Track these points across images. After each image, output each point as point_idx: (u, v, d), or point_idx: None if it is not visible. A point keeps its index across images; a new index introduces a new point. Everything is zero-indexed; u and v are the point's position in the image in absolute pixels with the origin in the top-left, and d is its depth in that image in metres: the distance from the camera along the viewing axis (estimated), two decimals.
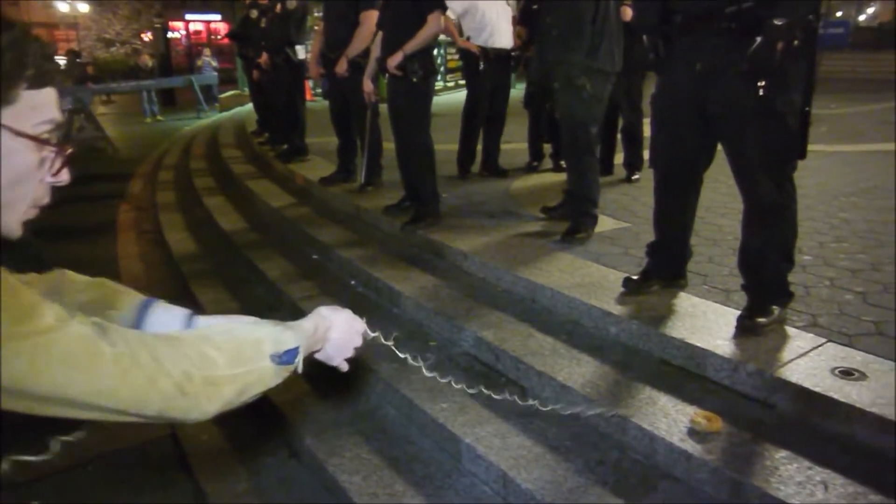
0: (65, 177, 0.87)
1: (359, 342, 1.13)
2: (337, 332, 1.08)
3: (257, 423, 2.89)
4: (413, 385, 2.72)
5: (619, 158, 5.18)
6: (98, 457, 2.74)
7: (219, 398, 0.85)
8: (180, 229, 5.77)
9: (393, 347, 1.23)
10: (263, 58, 6.49)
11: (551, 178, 5.13)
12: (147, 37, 27.06)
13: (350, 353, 1.12)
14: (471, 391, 1.84)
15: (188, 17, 29.99)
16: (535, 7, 4.81)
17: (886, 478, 1.84)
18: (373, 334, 1.20)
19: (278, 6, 6.21)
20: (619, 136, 5.16)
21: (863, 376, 2.13)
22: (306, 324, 1.02)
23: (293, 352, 0.94)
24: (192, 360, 0.82)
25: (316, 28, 5.42)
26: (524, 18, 5.70)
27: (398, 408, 2.74)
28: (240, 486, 2.60)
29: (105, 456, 2.75)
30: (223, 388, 0.85)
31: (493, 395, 1.67)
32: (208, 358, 0.84)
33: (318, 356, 1.09)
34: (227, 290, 4.26)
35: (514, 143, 6.11)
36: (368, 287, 3.69)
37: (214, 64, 17.74)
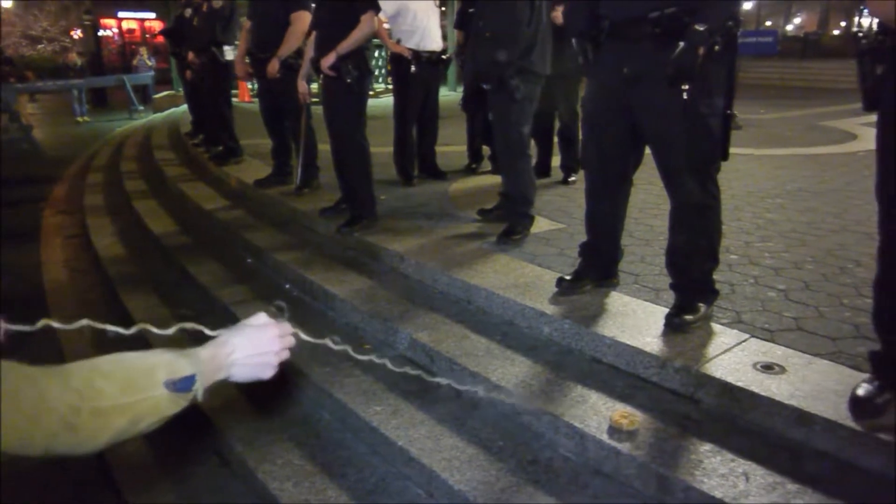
0: None
1: (276, 352, 1.06)
2: (242, 353, 1.02)
3: (185, 432, 2.80)
4: (346, 389, 2.69)
5: (556, 161, 5.25)
6: (11, 472, 2.61)
7: (109, 430, 0.81)
8: (109, 234, 5.57)
9: (331, 343, 1.17)
10: (189, 56, 6.35)
11: (490, 180, 5.15)
12: (77, 34, 26.13)
13: (271, 367, 1.06)
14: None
15: (121, 14, 29.06)
16: (471, 10, 4.83)
17: (802, 467, 1.90)
18: (307, 338, 1.15)
19: (205, 5, 6.09)
20: (556, 138, 5.23)
21: (782, 370, 2.20)
22: (203, 352, 0.97)
23: (189, 379, 0.90)
24: (79, 392, 0.78)
25: (243, 27, 5.30)
26: (461, 22, 5.72)
27: (332, 412, 2.70)
28: (167, 497, 2.51)
29: (19, 471, 2.62)
30: (113, 419, 0.81)
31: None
32: (96, 389, 0.80)
33: (235, 380, 1.04)
34: (158, 296, 4.13)
35: (454, 146, 6.13)
36: (303, 290, 3.63)
37: (151, 63, 17.24)
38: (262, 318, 1.08)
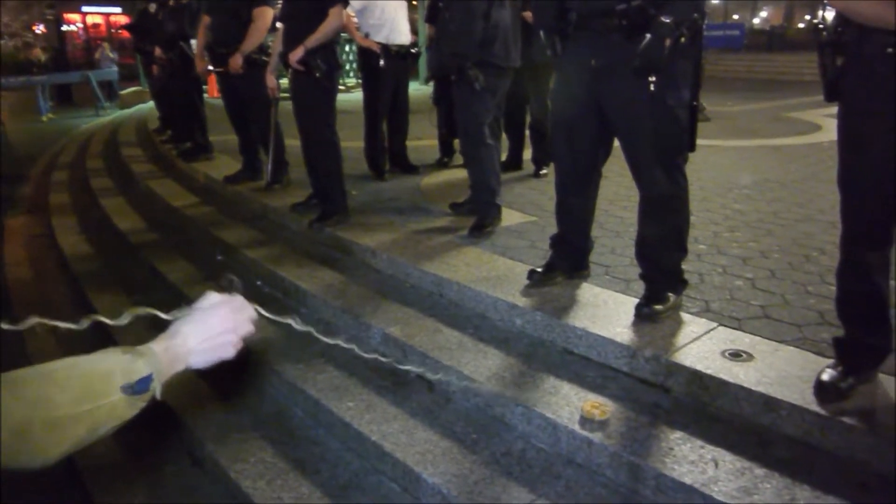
0: None
1: (233, 329, 1.01)
2: (196, 340, 0.98)
3: (155, 432, 2.77)
4: (319, 385, 2.67)
5: (528, 154, 5.26)
6: None
7: (65, 441, 0.77)
8: (75, 232, 5.47)
9: (294, 323, 1.14)
10: (157, 52, 6.24)
11: (461, 174, 5.12)
12: (40, 29, 25.55)
13: (230, 346, 1.02)
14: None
15: (85, 9, 28.48)
16: (440, 4, 4.83)
17: (770, 452, 1.93)
18: (266, 314, 1.11)
19: (171, 0, 5.99)
20: (527, 131, 5.24)
21: (750, 357, 2.24)
22: (157, 347, 0.93)
23: (146, 379, 0.87)
24: (31, 403, 0.74)
25: (202, 22, 5.20)
26: (431, 16, 5.71)
27: (304, 408, 2.69)
28: (138, 498, 2.48)
29: None
30: (69, 429, 0.78)
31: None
32: (49, 399, 0.76)
33: (197, 367, 1.00)
34: (126, 295, 4.07)
35: (425, 140, 6.12)
36: (274, 287, 3.60)
37: (113, 56, 16.91)
38: (212, 297, 1.03)
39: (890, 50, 1.73)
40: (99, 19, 29.40)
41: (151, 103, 9.16)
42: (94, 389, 0.81)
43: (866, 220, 1.97)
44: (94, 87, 14.40)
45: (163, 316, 0.99)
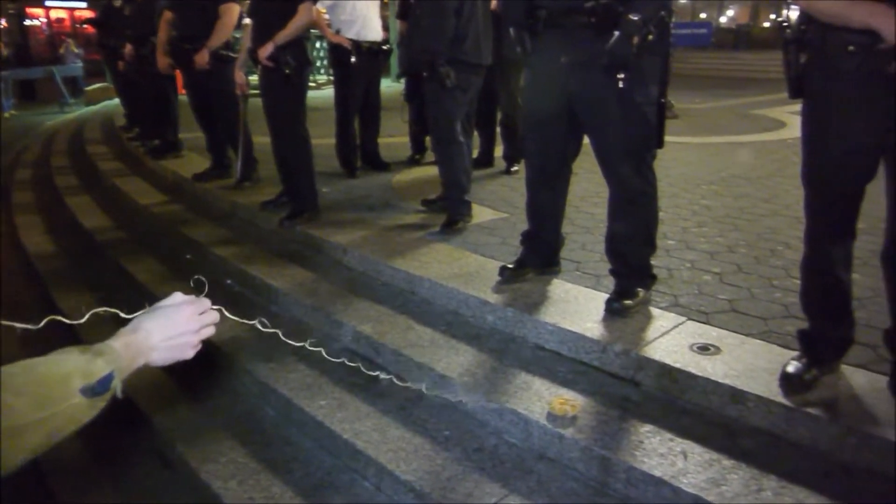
0: None
1: (195, 331, 1.02)
2: (158, 337, 0.98)
3: (124, 432, 2.73)
4: (291, 384, 2.65)
5: (499, 151, 5.28)
6: None
7: (24, 448, 0.75)
8: (39, 232, 5.36)
9: (258, 325, 1.14)
10: (128, 49, 6.13)
11: (433, 171, 5.11)
12: (1, 24, 24.93)
13: (190, 347, 1.03)
14: None
15: (49, 3, 27.83)
16: (411, 1, 4.82)
17: (737, 443, 1.97)
18: (230, 316, 1.11)
19: None
20: (498, 128, 5.26)
21: (718, 351, 2.28)
22: (117, 343, 0.92)
23: (107, 378, 0.85)
24: None
25: (163, 17, 5.12)
26: (403, 12, 5.69)
27: (276, 408, 2.67)
28: (106, 501, 2.44)
29: None
30: (27, 436, 0.75)
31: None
32: (6, 407, 0.74)
33: (155, 364, 0.99)
34: (92, 295, 3.99)
35: (397, 137, 6.10)
36: (245, 285, 3.57)
37: (78, 52, 16.58)
38: (177, 297, 1.04)
39: (851, 48, 1.77)
40: (63, 14, 28.74)
41: (118, 100, 8.99)
42: (52, 394, 0.79)
43: (829, 214, 2.01)
44: (59, 83, 14.12)
45: (123, 315, 0.98)
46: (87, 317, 0.96)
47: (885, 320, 2.05)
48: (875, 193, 1.95)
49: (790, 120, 7.63)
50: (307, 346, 1.22)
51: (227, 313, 1.09)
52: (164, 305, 1.02)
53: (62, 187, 6.40)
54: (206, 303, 1.05)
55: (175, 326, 1.00)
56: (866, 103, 1.81)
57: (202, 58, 4.59)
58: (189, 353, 1.03)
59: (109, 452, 2.68)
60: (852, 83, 1.81)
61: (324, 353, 1.22)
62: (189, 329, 1.02)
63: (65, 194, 6.09)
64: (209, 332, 1.05)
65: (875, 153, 1.87)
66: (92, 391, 0.83)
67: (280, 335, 1.16)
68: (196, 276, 1.09)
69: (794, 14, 1.97)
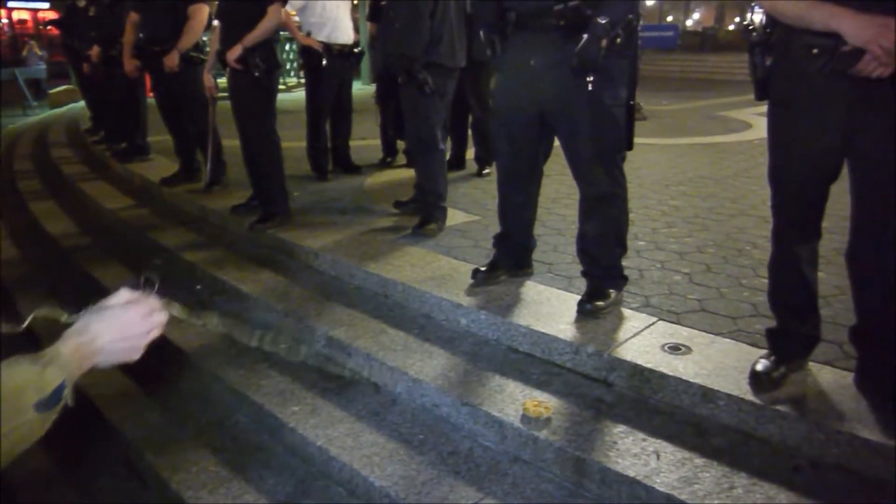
0: None
1: (144, 333, 0.99)
2: (106, 338, 0.94)
3: (91, 443, 2.67)
4: (263, 390, 2.62)
5: (471, 153, 5.28)
6: None
7: None
8: (1, 238, 5.22)
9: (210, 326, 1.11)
10: (94, 51, 6.01)
11: (405, 173, 5.14)
12: None
13: (138, 350, 0.99)
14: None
15: (11, 4, 27.24)
16: (383, 3, 4.79)
17: (709, 442, 1.99)
18: (180, 315, 1.08)
19: None
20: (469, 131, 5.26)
21: (688, 350, 2.30)
22: (65, 348, 0.89)
23: (60, 388, 0.83)
24: None
25: (129, 19, 5.04)
26: (373, 14, 5.67)
27: (248, 414, 2.63)
28: None
29: None
30: None
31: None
32: None
33: (100, 367, 0.96)
34: (58, 302, 3.88)
35: (368, 139, 6.08)
36: (215, 291, 3.51)
37: (41, 54, 16.25)
38: (124, 295, 1.00)
39: (815, 50, 1.80)
40: (26, 15, 28.15)
41: (83, 102, 8.82)
42: (7, 413, 0.76)
43: (795, 214, 2.04)
44: (22, 86, 13.82)
45: (64, 319, 0.95)
46: (26, 323, 0.93)
47: (850, 318, 2.09)
48: (837, 192, 1.99)
49: (756, 121, 7.76)
50: (264, 347, 1.18)
51: (176, 312, 1.06)
52: (110, 304, 0.98)
53: (25, 192, 6.26)
54: (155, 302, 1.02)
55: (124, 328, 0.97)
56: (830, 104, 1.84)
57: (172, 60, 4.52)
58: (136, 356, 1.00)
59: (76, 462, 2.63)
60: (816, 85, 1.84)
61: (282, 354, 1.19)
62: (138, 331, 0.98)
63: (28, 199, 5.96)
64: (156, 334, 1.01)
65: (839, 154, 1.90)
66: (45, 406, 0.80)
67: (234, 335, 1.13)
68: (147, 274, 1.05)
69: (758, 17, 2.00)
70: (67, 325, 0.95)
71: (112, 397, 2.84)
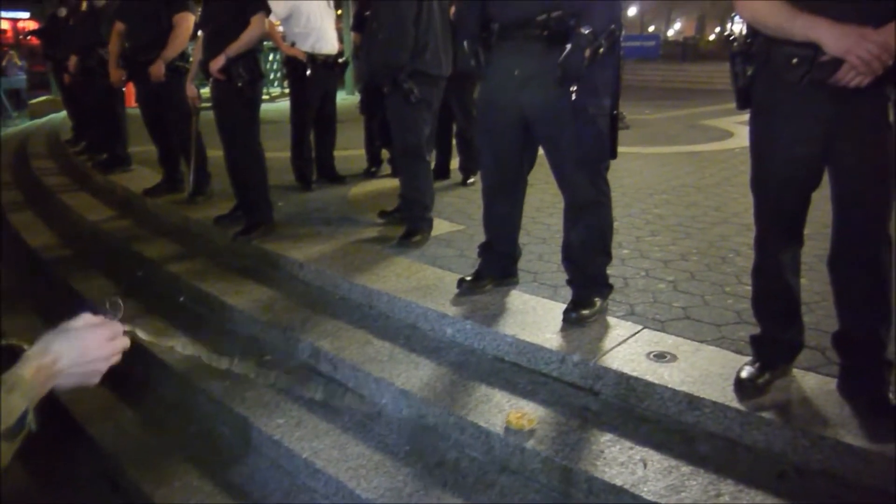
0: None
1: (106, 357, 0.98)
2: (67, 361, 0.93)
3: (72, 459, 2.63)
4: (247, 402, 2.59)
5: (455, 163, 5.29)
6: None
7: None
8: None
9: (178, 347, 1.10)
10: (72, 61, 5.96)
11: (390, 183, 5.12)
12: None
13: (98, 375, 0.98)
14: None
15: None
16: (367, 13, 4.80)
17: (695, 449, 1.99)
18: (147, 338, 1.07)
19: (84, 4, 5.73)
20: (454, 140, 5.27)
21: (674, 358, 2.31)
22: (26, 371, 0.87)
23: (24, 415, 0.81)
24: None
25: (114, 29, 5.01)
26: (358, 24, 5.67)
27: (232, 427, 2.60)
28: None
29: None
30: None
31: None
32: None
33: (59, 389, 0.94)
34: (39, 316, 3.86)
35: (352, 149, 6.07)
36: (199, 303, 3.48)
37: (20, 64, 16.08)
38: (87, 318, 0.99)
39: (795, 60, 1.82)
40: (6, 25, 27.92)
41: (64, 113, 8.75)
42: None
43: (778, 221, 2.06)
44: (1, 96, 13.68)
45: (26, 347, 0.93)
46: None
47: (832, 324, 2.11)
48: (817, 199, 2.02)
49: (737, 130, 7.84)
50: (233, 368, 1.17)
51: (140, 335, 1.05)
52: (73, 327, 0.97)
53: (5, 203, 6.17)
54: (118, 327, 1.01)
55: (86, 352, 0.95)
56: (811, 113, 1.87)
57: (158, 70, 4.49)
58: (95, 380, 0.98)
59: (56, 478, 2.59)
60: (797, 94, 1.86)
61: (251, 375, 1.18)
62: (100, 355, 0.97)
63: (8, 211, 5.88)
64: (117, 359, 1.00)
65: (820, 161, 1.92)
66: (11, 434, 0.78)
67: (203, 358, 1.12)
68: (112, 298, 1.04)
69: (739, 28, 2.02)
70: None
71: (92, 410, 2.80)
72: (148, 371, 2.91)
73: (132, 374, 2.85)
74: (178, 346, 1.08)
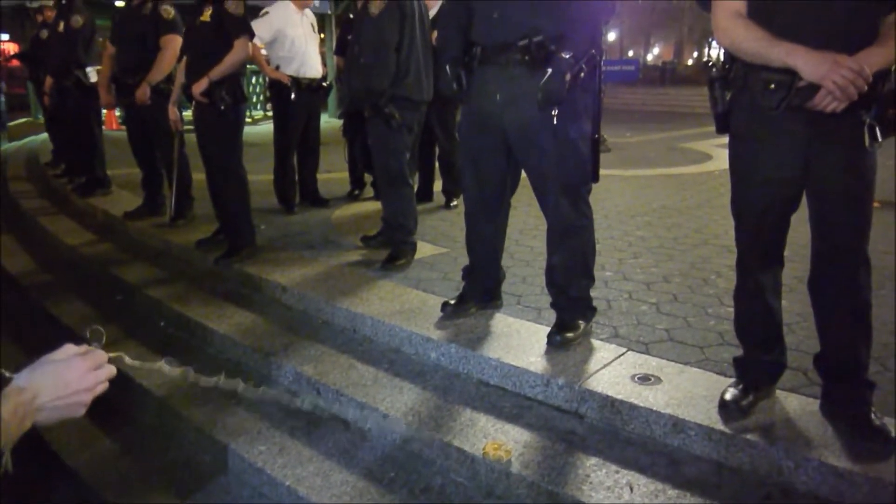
0: None
1: (88, 388, 0.96)
2: (48, 396, 0.91)
3: (47, 486, 2.56)
4: (229, 429, 2.55)
5: (438, 185, 5.30)
6: None
7: None
8: None
9: (165, 366, 1.08)
10: (48, 83, 5.93)
11: (373, 206, 5.12)
12: None
13: (82, 406, 0.96)
14: None
15: None
16: (349, 38, 4.83)
17: (681, 472, 1.99)
18: (133, 362, 1.05)
19: (61, 24, 5.71)
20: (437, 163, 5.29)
21: (658, 380, 2.31)
22: (4, 412, 0.85)
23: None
24: None
25: (106, 51, 5.01)
26: (340, 48, 5.71)
27: (213, 454, 2.55)
28: None
29: None
30: None
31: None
32: None
33: (40, 424, 0.92)
34: (14, 342, 3.79)
35: (336, 172, 6.07)
36: (180, 327, 3.44)
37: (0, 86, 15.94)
38: (68, 350, 0.97)
39: (773, 85, 1.85)
40: None
41: (44, 135, 8.67)
42: None
43: (758, 244, 2.09)
44: None
45: (6, 374, 0.91)
46: None
47: (813, 345, 2.12)
48: (796, 221, 2.04)
49: (716, 153, 7.96)
50: (219, 385, 1.16)
51: (127, 360, 1.03)
52: (53, 359, 0.95)
53: None
54: (101, 356, 0.98)
55: (66, 385, 0.93)
56: (788, 137, 1.90)
57: (143, 93, 4.48)
58: (80, 412, 0.96)
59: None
60: (775, 119, 1.89)
61: (239, 390, 1.17)
62: (81, 387, 0.95)
63: None
64: (101, 389, 0.98)
65: (798, 184, 1.95)
66: None
67: (188, 376, 1.11)
68: (94, 327, 1.03)
69: (716, 53, 2.06)
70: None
71: (70, 437, 2.74)
72: (127, 397, 2.86)
73: (111, 401, 2.80)
74: (165, 367, 1.06)
